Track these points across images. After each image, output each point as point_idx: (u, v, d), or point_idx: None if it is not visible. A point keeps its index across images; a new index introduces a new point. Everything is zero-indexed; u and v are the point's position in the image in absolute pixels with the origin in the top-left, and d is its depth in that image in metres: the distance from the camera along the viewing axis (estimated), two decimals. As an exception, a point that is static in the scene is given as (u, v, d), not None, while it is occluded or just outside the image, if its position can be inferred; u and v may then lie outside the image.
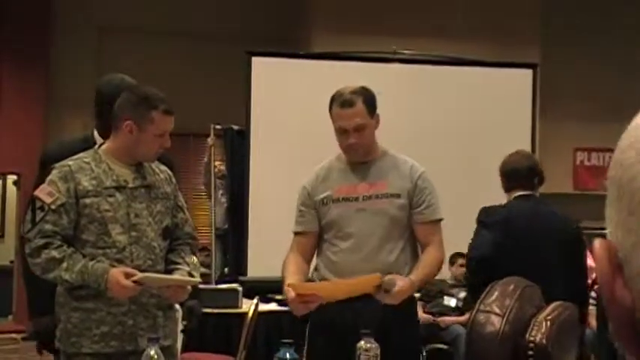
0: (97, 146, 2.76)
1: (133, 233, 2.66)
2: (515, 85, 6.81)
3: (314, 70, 6.64)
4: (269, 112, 6.49)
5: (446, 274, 6.20)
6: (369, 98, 2.89)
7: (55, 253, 2.57)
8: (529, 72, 6.84)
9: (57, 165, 2.67)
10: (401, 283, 2.67)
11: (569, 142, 9.02)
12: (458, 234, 6.66)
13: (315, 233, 2.91)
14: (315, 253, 2.95)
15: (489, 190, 6.75)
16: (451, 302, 6.03)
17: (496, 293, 2.36)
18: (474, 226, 3.73)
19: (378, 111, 2.92)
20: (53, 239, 2.59)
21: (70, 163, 2.66)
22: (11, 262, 8.65)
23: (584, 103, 8.76)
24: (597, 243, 0.65)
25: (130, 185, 2.71)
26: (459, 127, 6.61)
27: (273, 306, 5.16)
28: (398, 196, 2.86)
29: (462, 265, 6.08)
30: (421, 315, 5.32)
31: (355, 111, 2.83)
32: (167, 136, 2.72)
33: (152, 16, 8.58)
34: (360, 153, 2.88)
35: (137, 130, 2.67)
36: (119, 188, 2.68)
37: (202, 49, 8.50)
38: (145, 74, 8.17)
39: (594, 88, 8.77)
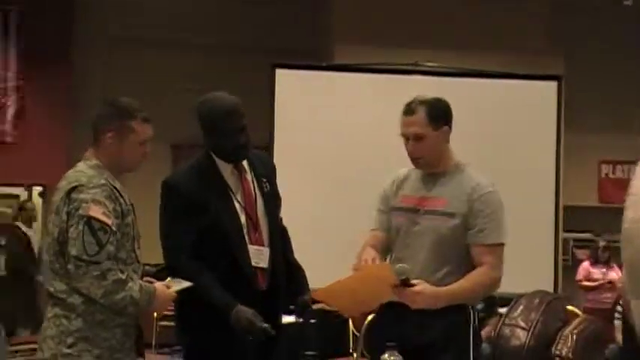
0: (91, 162, 2.72)
1: (140, 249, 2.76)
2: (539, 98, 6.77)
3: (336, 81, 6.65)
4: (292, 123, 6.50)
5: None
6: (434, 109, 2.86)
7: (120, 275, 2.58)
8: (554, 84, 6.80)
9: (90, 184, 2.63)
10: (422, 286, 2.65)
11: (594, 154, 8.96)
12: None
13: (387, 235, 2.92)
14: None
15: (514, 201, 6.71)
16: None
17: (521, 307, 2.34)
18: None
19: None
20: (115, 261, 2.61)
21: (104, 182, 2.65)
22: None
23: (609, 116, 8.69)
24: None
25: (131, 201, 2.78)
26: (483, 140, 6.57)
27: (292, 318, 5.17)
28: (452, 215, 2.78)
29: None
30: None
31: (414, 119, 2.82)
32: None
33: (177, 28, 8.65)
34: (420, 163, 2.86)
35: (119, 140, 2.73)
36: (132, 205, 2.75)
37: (222, 61, 8.54)
38: (166, 88, 8.24)
39: (619, 100, 8.70)
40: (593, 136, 8.67)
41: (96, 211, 2.58)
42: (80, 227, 2.58)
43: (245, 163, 3.07)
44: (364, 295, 2.70)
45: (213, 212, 2.93)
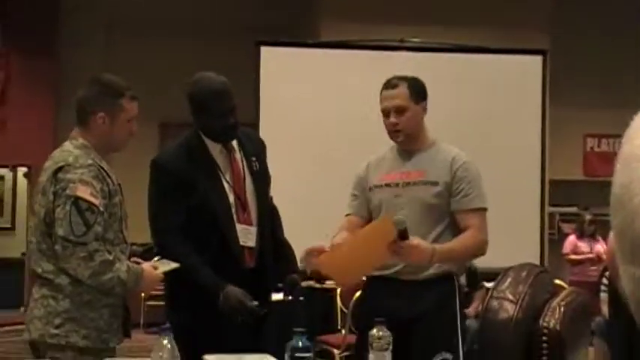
0: (78, 142, 2.69)
1: (127, 229, 2.74)
2: (525, 72, 6.78)
3: (322, 58, 6.63)
4: (278, 101, 6.49)
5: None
6: (415, 85, 2.97)
7: (107, 255, 2.57)
8: (539, 58, 6.81)
9: (77, 164, 2.60)
10: (418, 240, 2.69)
11: (579, 128, 8.99)
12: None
13: (364, 218, 2.98)
14: None
15: (500, 176, 6.76)
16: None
17: (509, 279, 2.36)
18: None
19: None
20: (102, 241, 2.60)
21: (91, 161, 2.63)
22: (23, 254, 8.69)
23: (594, 89, 8.71)
24: (612, 238, 0.71)
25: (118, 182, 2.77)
26: (468, 115, 6.59)
27: (281, 296, 5.18)
28: (435, 183, 2.89)
29: None
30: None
31: (397, 93, 2.93)
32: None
33: (160, 7, 8.58)
34: (400, 137, 2.93)
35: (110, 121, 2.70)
36: (119, 185, 2.73)
37: (207, 39, 8.47)
38: (152, 67, 8.19)
39: (604, 74, 8.72)
40: (578, 109, 8.69)
41: (83, 192, 2.56)
42: (67, 207, 2.55)
43: (234, 142, 3.07)
44: (363, 257, 2.74)
45: (202, 191, 2.93)
